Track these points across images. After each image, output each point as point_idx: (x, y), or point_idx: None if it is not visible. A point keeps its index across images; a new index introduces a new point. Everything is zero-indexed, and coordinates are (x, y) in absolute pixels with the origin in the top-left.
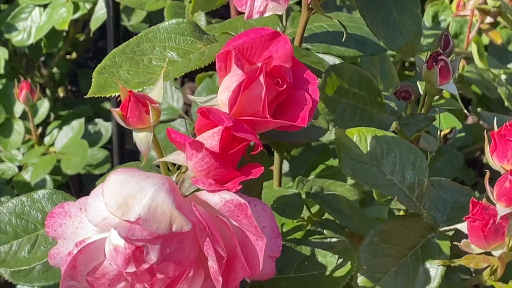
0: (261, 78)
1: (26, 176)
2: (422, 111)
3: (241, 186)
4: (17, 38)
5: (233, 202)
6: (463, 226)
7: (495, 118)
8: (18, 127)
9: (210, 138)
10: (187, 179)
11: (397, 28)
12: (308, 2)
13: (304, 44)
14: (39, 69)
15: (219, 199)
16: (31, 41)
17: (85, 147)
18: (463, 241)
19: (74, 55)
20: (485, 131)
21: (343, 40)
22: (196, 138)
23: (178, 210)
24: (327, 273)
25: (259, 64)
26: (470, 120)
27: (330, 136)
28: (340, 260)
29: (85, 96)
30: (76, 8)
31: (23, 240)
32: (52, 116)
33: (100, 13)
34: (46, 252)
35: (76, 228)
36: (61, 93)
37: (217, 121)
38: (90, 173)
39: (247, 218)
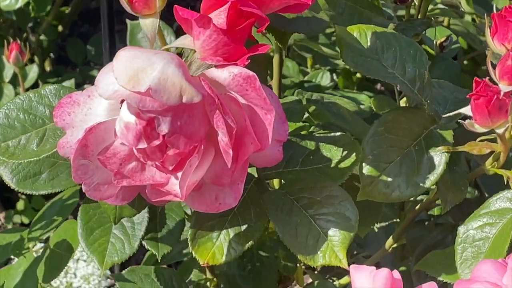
0: None
1: None
2: (419, 17)
3: (250, 61)
4: (5, 2)
5: (242, 75)
6: (466, 109)
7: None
8: (8, 91)
9: (217, 17)
10: (195, 61)
11: None
12: None
13: None
14: (28, 37)
15: (228, 73)
16: (19, 4)
17: None
18: (467, 121)
19: (60, 28)
20: (485, 15)
21: None
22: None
23: (187, 82)
24: (332, 165)
25: None
26: None
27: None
28: (345, 152)
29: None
30: None
31: (31, 134)
32: (40, 83)
33: None
34: (54, 144)
35: (85, 115)
36: (47, 67)
37: None
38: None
39: (256, 91)
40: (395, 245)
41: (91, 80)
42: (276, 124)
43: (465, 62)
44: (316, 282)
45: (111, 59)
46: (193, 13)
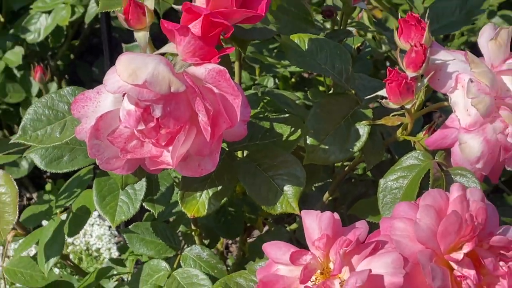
0: None
1: None
2: (341, 28)
3: (220, 59)
4: (30, 37)
5: (215, 70)
6: (382, 92)
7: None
8: None
9: (194, 27)
10: (178, 62)
11: None
12: None
13: None
14: (48, 62)
15: (204, 69)
16: (41, 38)
17: None
18: (383, 100)
19: (72, 56)
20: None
21: None
22: (182, 26)
23: (174, 76)
24: (284, 138)
25: None
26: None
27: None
28: (293, 129)
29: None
30: (73, 11)
31: (55, 125)
32: None
33: (91, 11)
34: (72, 132)
35: (95, 107)
36: (63, 85)
37: (199, 11)
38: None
39: (226, 81)
40: (330, 198)
41: None
42: (241, 108)
43: None
44: (273, 229)
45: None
46: (176, 24)
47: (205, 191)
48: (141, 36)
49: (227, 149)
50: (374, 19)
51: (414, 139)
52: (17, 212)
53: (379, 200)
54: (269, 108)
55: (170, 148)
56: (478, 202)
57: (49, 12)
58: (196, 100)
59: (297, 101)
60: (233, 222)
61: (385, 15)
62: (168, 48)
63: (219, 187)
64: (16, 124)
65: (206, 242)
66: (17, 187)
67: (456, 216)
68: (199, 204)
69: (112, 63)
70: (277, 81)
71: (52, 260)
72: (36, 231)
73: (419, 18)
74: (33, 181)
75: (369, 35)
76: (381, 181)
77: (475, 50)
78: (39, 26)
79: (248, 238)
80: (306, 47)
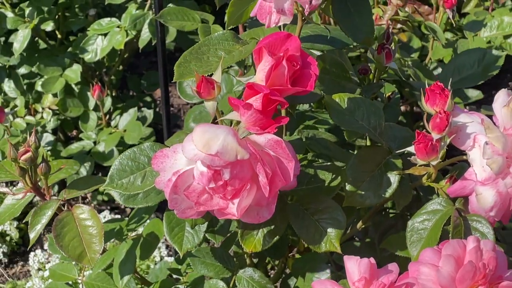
0: (284, 62)
1: (100, 148)
2: (374, 81)
3: (276, 129)
4: (88, 57)
5: (273, 139)
6: (411, 148)
7: (421, 87)
8: (92, 116)
9: (255, 102)
10: (241, 128)
11: (359, 29)
12: (306, 13)
13: None
14: (102, 77)
15: (264, 138)
16: (98, 58)
17: (140, 126)
18: (412, 157)
19: (121, 68)
20: (421, 89)
21: (328, 38)
22: (246, 102)
23: (240, 146)
24: (326, 184)
25: (281, 54)
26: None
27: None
28: (333, 176)
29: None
30: (127, 34)
31: (137, 175)
32: (112, 108)
33: (145, 36)
34: (152, 181)
35: (172, 164)
36: (113, 92)
37: (260, 90)
38: (141, 143)
39: (283, 149)
40: (363, 226)
41: (144, 103)
42: (295, 162)
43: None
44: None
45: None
46: (240, 101)
47: (261, 229)
48: (210, 105)
49: (279, 193)
50: (399, 42)
51: (438, 186)
52: (103, 243)
53: (407, 238)
54: (312, 152)
55: (235, 201)
56: (490, 251)
57: (105, 35)
58: (257, 165)
59: None
60: (279, 244)
61: (409, 35)
62: (232, 115)
63: (273, 226)
64: (72, 131)
65: (255, 260)
66: (102, 221)
67: (471, 265)
68: (256, 241)
69: (166, 78)
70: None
71: (126, 278)
72: (111, 250)
73: (443, 87)
74: None
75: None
76: (409, 223)
77: None
78: (96, 47)
79: (290, 255)
80: (346, 105)
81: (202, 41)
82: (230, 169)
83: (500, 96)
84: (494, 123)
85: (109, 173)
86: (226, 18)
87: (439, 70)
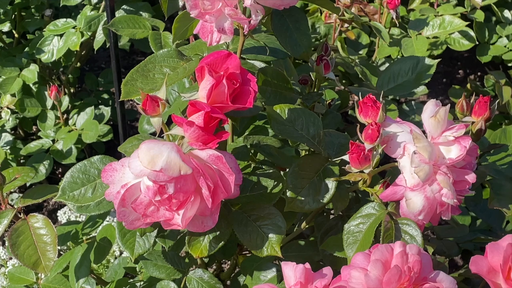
0: (224, 81)
1: (59, 146)
2: (315, 90)
3: (218, 145)
4: (44, 57)
5: (214, 155)
6: (346, 157)
7: (360, 92)
8: (50, 115)
9: (197, 118)
10: (185, 143)
11: (298, 44)
12: (245, 33)
13: (242, 55)
14: (59, 76)
15: (206, 153)
16: (54, 58)
17: (97, 125)
18: (347, 165)
19: (78, 65)
20: (354, 101)
21: (272, 48)
22: (189, 118)
23: (183, 162)
24: (268, 191)
25: (222, 72)
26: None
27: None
28: (275, 183)
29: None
30: (82, 35)
31: (87, 187)
32: (70, 106)
33: (99, 38)
34: (102, 193)
35: (120, 177)
36: (72, 89)
37: (201, 108)
38: (99, 141)
39: (223, 164)
40: (307, 226)
41: (102, 100)
42: (236, 174)
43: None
44: None
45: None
46: (183, 119)
47: (207, 236)
48: (156, 121)
49: (223, 200)
50: (350, 39)
51: (372, 191)
52: (57, 251)
53: (344, 240)
54: (256, 159)
55: (180, 212)
56: (415, 255)
57: (61, 35)
58: (200, 179)
59: None
60: (228, 245)
61: (357, 32)
62: (177, 131)
63: (218, 233)
64: (31, 129)
65: (206, 260)
66: (55, 230)
67: (397, 269)
68: (202, 247)
69: (120, 81)
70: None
71: (81, 281)
72: (66, 254)
73: (375, 100)
74: (50, 182)
75: (347, 59)
76: (346, 226)
77: None
78: (52, 47)
79: (243, 253)
80: (286, 116)
81: (148, 59)
82: (174, 183)
83: (429, 107)
84: (424, 131)
85: (61, 186)
86: (172, 33)
87: (387, 65)
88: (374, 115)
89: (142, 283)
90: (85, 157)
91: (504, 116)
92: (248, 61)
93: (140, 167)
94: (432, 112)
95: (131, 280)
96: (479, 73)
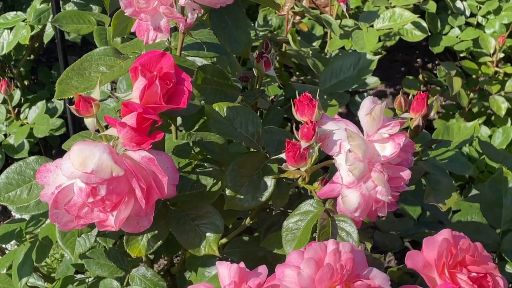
0: (157, 81)
1: (10, 140)
2: (256, 87)
3: (151, 145)
4: None
5: (146, 157)
6: (284, 155)
7: (297, 91)
8: (1, 109)
9: (130, 119)
10: (119, 144)
11: (237, 41)
12: (181, 31)
13: (183, 52)
14: (11, 69)
15: (138, 155)
16: (4, 52)
17: (48, 119)
18: (284, 164)
19: (32, 57)
20: (291, 99)
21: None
22: (122, 119)
23: (115, 164)
24: (207, 189)
25: (155, 73)
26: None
27: None
28: (214, 181)
29: (52, 99)
30: (32, 28)
31: (23, 188)
32: (22, 99)
33: (49, 31)
34: (37, 194)
35: (55, 178)
36: (25, 82)
37: (133, 109)
38: (52, 135)
39: (155, 166)
40: (251, 222)
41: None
42: (171, 174)
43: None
44: None
45: None
46: (116, 120)
47: (145, 235)
48: (90, 121)
49: (162, 200)
50: (303, 31)
51: (310, 188)
52: None
53: (283, 237)
54: (199, 156)
55: (114, 213)
56: (347, 253)
57: (10, 29)
58: (133, 180)
59: None
60: (172, 241)
61: (311, 23)
62: (111, 131)
63: (156, 232)
64: None
65: (151, 257)
66: None
67: (329, 267)
68: (141, 246)
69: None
70: None
71: (24, 280)
72: (10, 253)
73: (311, 98)
74: None
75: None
76: (285, 223)
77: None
78: (2, 41)
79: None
80: (225, 114)
81: (84, 57)
82: (107, 185)
83: (365, 104)
84: (362, 128)
85: None
86: (111, 30)
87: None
88: (310, 114)
89: (92, 279)
90: (40, 151)
91: (456, 106)
92: (188, 58)
93: (72, 169)
94: (368, 110)
95: (82, 276)
96: (436, 62)
